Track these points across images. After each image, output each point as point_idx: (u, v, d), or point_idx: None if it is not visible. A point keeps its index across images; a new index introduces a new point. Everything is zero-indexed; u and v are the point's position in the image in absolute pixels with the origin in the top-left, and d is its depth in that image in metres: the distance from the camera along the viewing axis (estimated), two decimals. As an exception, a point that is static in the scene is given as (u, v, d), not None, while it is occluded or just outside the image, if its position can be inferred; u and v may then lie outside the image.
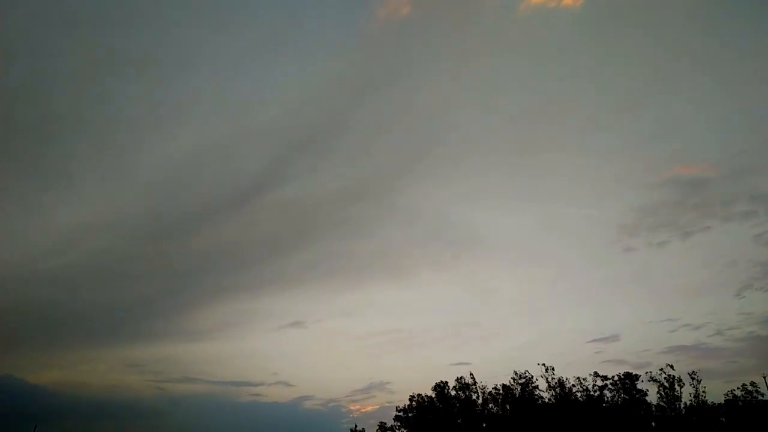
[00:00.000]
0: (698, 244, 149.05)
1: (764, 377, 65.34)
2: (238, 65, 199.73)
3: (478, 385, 78.27)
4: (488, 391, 77.60)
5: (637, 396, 70.29)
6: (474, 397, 77.73)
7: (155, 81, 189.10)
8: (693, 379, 68.48)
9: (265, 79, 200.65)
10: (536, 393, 74.74)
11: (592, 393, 72.23)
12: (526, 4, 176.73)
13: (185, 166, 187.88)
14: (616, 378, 72.16)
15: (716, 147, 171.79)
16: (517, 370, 76.81)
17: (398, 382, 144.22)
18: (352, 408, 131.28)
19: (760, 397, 65.30)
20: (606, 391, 71.87)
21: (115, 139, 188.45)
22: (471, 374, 79.09)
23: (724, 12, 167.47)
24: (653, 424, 69.25)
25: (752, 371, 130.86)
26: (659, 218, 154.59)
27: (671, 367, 69.76)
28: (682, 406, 67.95)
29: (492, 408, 76.41)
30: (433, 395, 79.82)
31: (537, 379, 75.33)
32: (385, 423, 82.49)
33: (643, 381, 70.86)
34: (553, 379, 74.48)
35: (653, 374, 70.34)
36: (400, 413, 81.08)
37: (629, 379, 71.44)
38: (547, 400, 73.82)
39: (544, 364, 75.52)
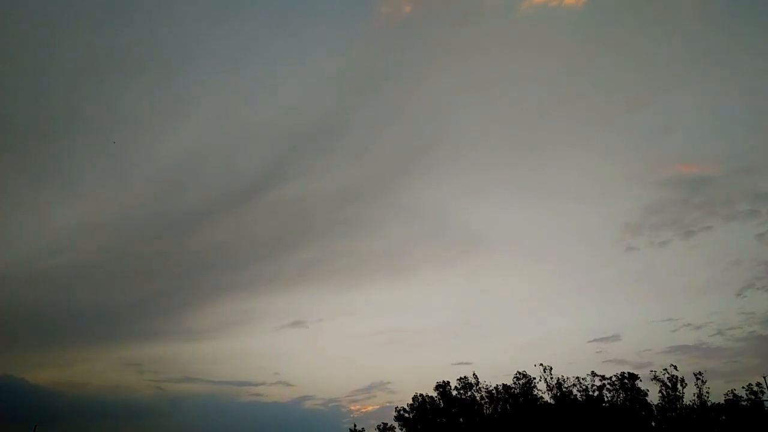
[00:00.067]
0: (701, 243, 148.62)
1: (765, 377, 65.18)
2: (237, 63, 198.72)
3: (480, 384, 78.11)
4: (490, 390, 77.46)
5: (637, 396, 70.19)
6: (477, 397, 77.56)
7: (153, 78, 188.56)
8: (698, 379, 68.31)
9: (266, 77, 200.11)
10: (536, 393, 74.67)
11: (591, 393, 72.17)
12: (528, 2, 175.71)
13: (184, 164, 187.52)
14: (614, 378, 72.11)
15: (720, 146, 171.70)
16: (518, 369, 76.79)
17: (399, 382, 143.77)
18: (352, 408, 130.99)
19: (762, 398, 65.10)
20: (605, 391, 71.80)
21: (113, 136, 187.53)
22: (474, 374, 79.02)
23: (729, 10, 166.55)
24: (653, 424, 69.08)
25: (754, 371, 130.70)
26: (663, 217, 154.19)
27: (675, 367, 69.83)
28: (681, 406, 67.84)
29: (493, 408, 76.11)
30: (435, 395, 79.69)
31: (536, 380, 75.34)
32: (386, 423, 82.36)
33: (643, 381, 71.03)
34: (552, 379, 74.42)
35: (656, 374, 70.29)
36: (401, 413, 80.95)
37: (629, 378, 71.34)
38: (547, 401, 73.73)
39: (542, 365, 75.53)
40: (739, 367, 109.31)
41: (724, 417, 66.49)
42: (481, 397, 77.31)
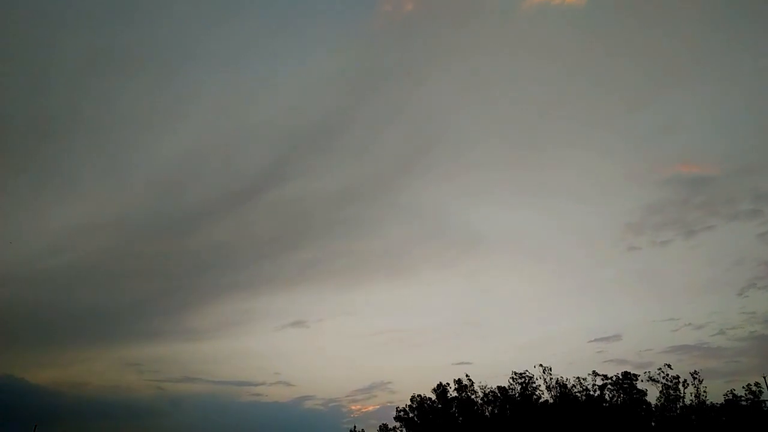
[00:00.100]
0: (702, 243, 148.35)
1: (765, 377, 65.13)
2: (237, 63, 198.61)
3: (476, 386, 78.40)
4: (488, 391, 77.60)
5: (636, 396, 70.19)
6: (473, 398, 77.65)
7: (153, 78, 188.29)
8: (695, 379, 68.47)
9: (266, 77, 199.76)
10: (536, 393, 74.66)
11: (591, 393, 72.20)
12: (530, 1, 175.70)
13: (184, 164, 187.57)
14: (614, 378, 72.06)
15: (720, 146, 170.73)
16: (518, 369, 76.88)
17: (399, 382, 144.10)
18: (352, 408, 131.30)
19: (762, 398, 65.09)
20: (605, 391, 71.78)
21: (113, 136, 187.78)
22: (467, 375, 79.34)
23: (731, 9, 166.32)
24: (653, 424, 69.07)
25: (754, 371, 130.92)
26: (665, 217, 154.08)
27: (669, 366, 70.06)
28: (680, 405, 67.84)
29: (491, 409, 76.11)
30: (434, 396, 79.79)
31: (536, 380, 75.46)
32: (387, 425, 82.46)
33: (642, 381, 71.00)
34: (551, 379, 74.53)
35: (653, 374, 70.48)
36: (401, 413, 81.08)
37: (628, 378, 71.38)
38: (546, 401, 73.73)
39: (542, 365, 75.69)
40: (741, 367, 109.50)
41: (724, 418, 66.43)
42: (478, 398, 77.48)
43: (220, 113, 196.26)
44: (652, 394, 69.68)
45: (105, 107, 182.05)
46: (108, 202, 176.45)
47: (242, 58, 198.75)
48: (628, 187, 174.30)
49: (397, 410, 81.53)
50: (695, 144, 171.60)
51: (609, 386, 71.64)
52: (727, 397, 67.43)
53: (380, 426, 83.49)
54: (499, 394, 76.23)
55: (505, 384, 76.88)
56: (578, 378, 73.55)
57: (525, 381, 75.34)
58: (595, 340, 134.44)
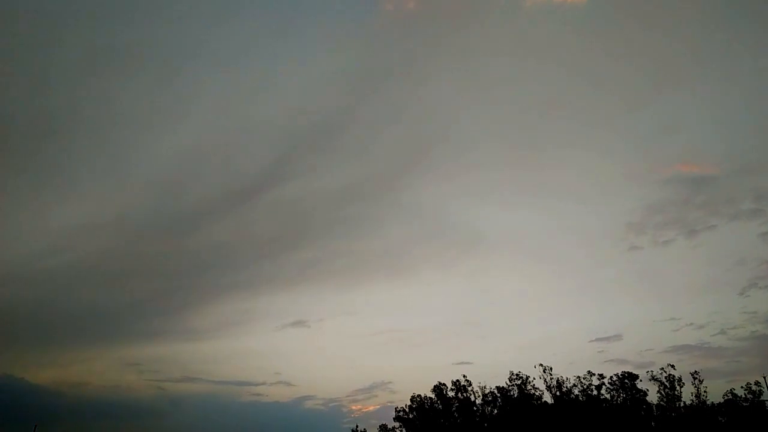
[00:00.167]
0: (703, 242, 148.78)
1: (765, 377, 64.96)
2: (237, 63, 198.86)
3: (474, 386, 78.33)
4: (487, 391, 77.48)
5: (636, 395, 70.02)
6: (472, 398, 77.58)
7: (153, 78, 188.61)
8: (695, 378, 68.33)
9: (266, 77, 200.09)
10: (535, 393, 74.44)
11: (591, 392, 71.97)
12: (531, 1, 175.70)
13: (184, 164, 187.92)
14: (614, 378, 71.90)
15: (720, 145, 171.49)
16: (518, 369, 76.69)
17: (400, 382, 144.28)
18: (353, 408, 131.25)
19: (762, 398, 64.94)
20: (604, 391, 71.61)
21: (113, 136, 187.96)
22: (464, 376, 79.35)
23: (731, 9, 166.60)
24: (653, 424, 68.92)
25: (755, 371, 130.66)
26: (666, 216, 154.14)
27: (672, 366, 69.88)
28: (681, 405, 67.70)
29: (490, 409, 76.00)
30: (433, 396, 79.66)
31: (534, 380, 75.29)
32: (386, 425, 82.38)
33: (642, 381, 70.87)
34: (551, 379, 74.30)
35: (654, 374, 70.30)
36: (400, 414, 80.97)
37: (628, 378, 71.20)
38: (546, 401, 73.58)
39: (542, 365, 75.42)
40: (741, 367, 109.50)
41: (724, 419, 66.27)
42: (477, 398, 77.44)
43: (221, 113, 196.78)
44: (653, 394, 69.81)
45: (105, 107, 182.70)
46: (108, 202, 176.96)
47: (242, 58, 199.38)
48: (629, 187, 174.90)
49: (396, 410, 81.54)
50: (695, 144, 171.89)
51: (609, 386, 71.46)
52: (726, 397, 67.35)
53: (380, 426, 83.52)
54: (498, 395, 76.21)
55: (498, 386, 76.96)
56: (578, 377, 73.55)
57: (522, 381, 75.23)
58: (596, 340, 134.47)
